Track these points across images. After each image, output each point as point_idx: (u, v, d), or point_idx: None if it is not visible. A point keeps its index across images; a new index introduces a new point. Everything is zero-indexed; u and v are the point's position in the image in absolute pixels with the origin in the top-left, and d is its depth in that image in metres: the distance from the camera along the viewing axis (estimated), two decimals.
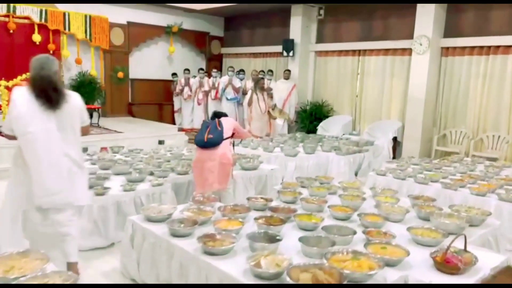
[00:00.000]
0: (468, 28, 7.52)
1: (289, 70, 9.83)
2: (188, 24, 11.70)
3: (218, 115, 4.60)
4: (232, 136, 4.47)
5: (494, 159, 6.93)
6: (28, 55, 8.86)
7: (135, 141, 7.45)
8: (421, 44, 7.64)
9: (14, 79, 7.45)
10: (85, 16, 9.69)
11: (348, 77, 9.45)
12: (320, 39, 10.00)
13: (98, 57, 10.19)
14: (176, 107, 11.06)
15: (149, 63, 11.19)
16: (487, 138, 7.35)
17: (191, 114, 10.67)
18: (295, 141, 7.24)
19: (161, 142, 7.64)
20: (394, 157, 8.14)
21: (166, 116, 11.23)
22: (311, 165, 6.07)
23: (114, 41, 10.32)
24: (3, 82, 7.31)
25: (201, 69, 10.92)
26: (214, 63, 12.36)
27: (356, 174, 6.67)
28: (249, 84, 9.81)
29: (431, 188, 4.40)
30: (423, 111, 7.78)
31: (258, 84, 7.85)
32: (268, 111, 7.84)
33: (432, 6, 7.48)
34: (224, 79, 10.12)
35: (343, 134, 8.93)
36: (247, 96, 8.65)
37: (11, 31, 8.75)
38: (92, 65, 10.07)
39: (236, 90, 9.79)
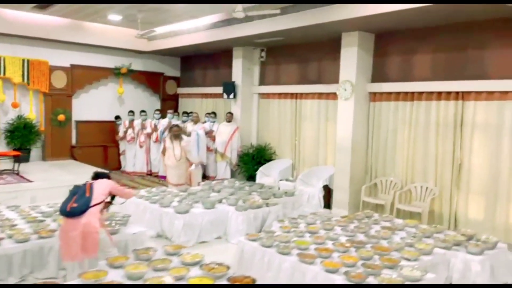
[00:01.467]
0: (394, 73, 7.18)
1: (231, 113, 9.54)
2: (140, 65, 11.60)
3: (98, 175, 4.41)
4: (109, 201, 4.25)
5: (417, 215, 6.43)
6: None
7: (44, 191, 7.11)
8: (345, 90, 7.29)
9: None
10: (23, 60, 9.60)
11: (288, 120, 9.11)
12: (262, 81, 9.75)
13: (38, 100, 10.05)
14: (121, 149, 10.77)
15: (96, 104, 11.00)
16: (415, 188, 6.85)
17: (134, 157, 10.36)
18: (210, 191, 6.84)
19: None
20: (327, 206, 7.68)
21: (112, 159, 10.93)
22: (205, 223, 5.64)
23: (56, 84, 10.19)
24: None
25: (157, 110, 10.66)
26: (170, 103, 12.17)
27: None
28: (190, 126, 9.55)
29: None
30: (350, 159, 7.35)
31: (172, 131, 7.53)
32: (187, 158, 7.47)
33: (355, 51, 7.18)
34: (164, 121, 9.86)
35: (280, 180, 8.53)
36: (162, 144, 8.33)
37: None
38: (30, 109, 9.91)
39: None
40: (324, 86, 8.13)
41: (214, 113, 9.93)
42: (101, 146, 10.94)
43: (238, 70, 9.68)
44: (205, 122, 9.85)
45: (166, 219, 5.60)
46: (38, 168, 9.04)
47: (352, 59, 7.22)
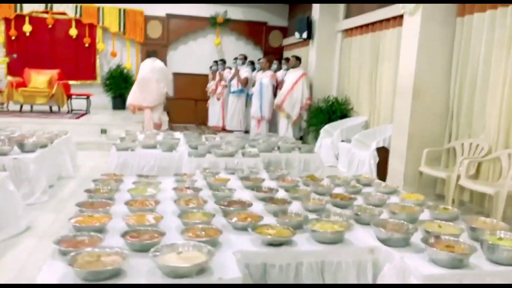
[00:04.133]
0: None
1: (296, 57, 7.69)
2: (240, 14, 10.66)
3: None
4: None
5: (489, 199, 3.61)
6: (66, 48, 9.66)
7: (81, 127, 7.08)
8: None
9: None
10: (119, 9, 9.94)
11: (366, 65, 6.72)
12: (348, 12, 7.48)
13: (134, 50, 10.32)
14: (208, 103, 10.19)
15: (193, 57, 10.67)
16: (509, 157, 3.89)
17: (214, 111, 9.60)
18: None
19: (103, 132, 7.03)
20: (381, 177, 5.29)
21: (201, 112, 10.43)
22: None
23: (151, 34, 10.25)
24: None
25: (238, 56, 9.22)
26: (273, 57, 10.89)
27: None
28: (259, 75, 8.20)
29: None
30: (410, 109, 4.75)
31: None
32: None
33: None
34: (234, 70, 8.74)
35: (342, 141, 6.43)
36: None
37: (50, 26, 9.67)
38: (128, 58, 10.26)
39: (240, 81, 8.30)
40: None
41: (297, 58, 8.09)
42: (193, 100, 10.59)
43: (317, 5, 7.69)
44: (277, 70, 8.27)
45: None
46: (117, 116, 9.24)
47: None
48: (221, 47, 10.75)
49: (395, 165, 5.01)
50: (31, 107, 8.43)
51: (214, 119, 9.52)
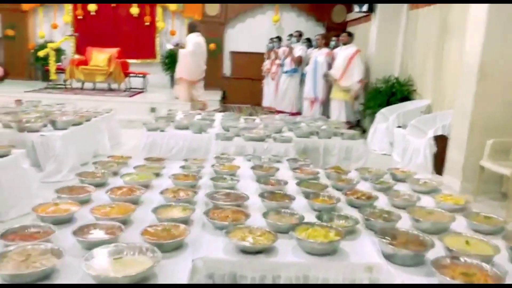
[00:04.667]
0: None
1: (348, 33, 7.06)
2: None
3: None
4: None
5: None
6: (127, 26, 9.95)
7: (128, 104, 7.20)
8: None
9: None
10: None
11: (432, 41, 5.97)
12: None
13: None
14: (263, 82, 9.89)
15: (251, 34, 10.38)
16: None
17: (268, 91, 9.28)
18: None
19: (153, 110, 7.06)
20: (438, 170, 4.69)
21: (256, 92, 10.16)
22: None
23: (209, 11, 10.11)
24: None
25: (298, 33, 8.57)
26: (336, 34, 10.23)
27: None
28: (315, 52, 7.72)
29: None
30: (474, 91, 4.06)
31: None
32: None
33: None
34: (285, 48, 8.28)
35: (398, 127, 5.83)
36: None
37: (113, 5, 9.91)
38: (185, 36, 10.23)
39: (294, 60, 7.87)
40: None
41: (350, 34, 7.50)
42: (250, 79, 10.33)
43: None
44: (335, 47, 7.69)
45: None
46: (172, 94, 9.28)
47: None
48: (280, 24, 10.33)
49: (454, 156, 4.38)
50: (94, 85, 8.74)
51: (268, 99, 9.22)
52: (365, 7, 6.99)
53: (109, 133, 5.08)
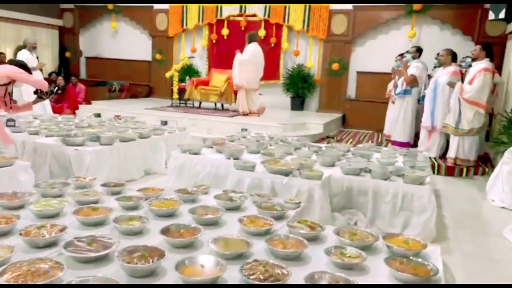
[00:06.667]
0: None
1: (482, 46, 5.52)
2: None
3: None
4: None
5: None
6: None
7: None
8: None
9: None
10: (305, 6, 9.58)
11: None
12: None
13: (317, 47, 9.79)
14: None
15: (381, 53, 9.31)
16: None
17: (388, 118, 7.94)
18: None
19: (243, 130, 6.83)
20: None
21: (378, 118, 8.83)
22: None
23: (335, 29, 9.50)
24: None
25: (414, 48, 7.12)
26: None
27: None
28: (439, 71, 6.46)
29: None
30: None
31: None
32: None
33: None
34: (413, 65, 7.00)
35: None
36: None
37: (243, 28, 10.20)
38: (309, 57, 9.84)
39: (406, 80, 6.65)
40: None
41: (483, 47, 5.89)
42: (373, 102, 9.20)
43: None
44: (462, 66, 6.19)
45: None
46: (279, 116, 8.95)
47: None
48: (418, 39, 8.98)
49: None
50: (215, 104, 8.98)
51: (387, 126, 7.99)
52: (502, 14, 5.40)
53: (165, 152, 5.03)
